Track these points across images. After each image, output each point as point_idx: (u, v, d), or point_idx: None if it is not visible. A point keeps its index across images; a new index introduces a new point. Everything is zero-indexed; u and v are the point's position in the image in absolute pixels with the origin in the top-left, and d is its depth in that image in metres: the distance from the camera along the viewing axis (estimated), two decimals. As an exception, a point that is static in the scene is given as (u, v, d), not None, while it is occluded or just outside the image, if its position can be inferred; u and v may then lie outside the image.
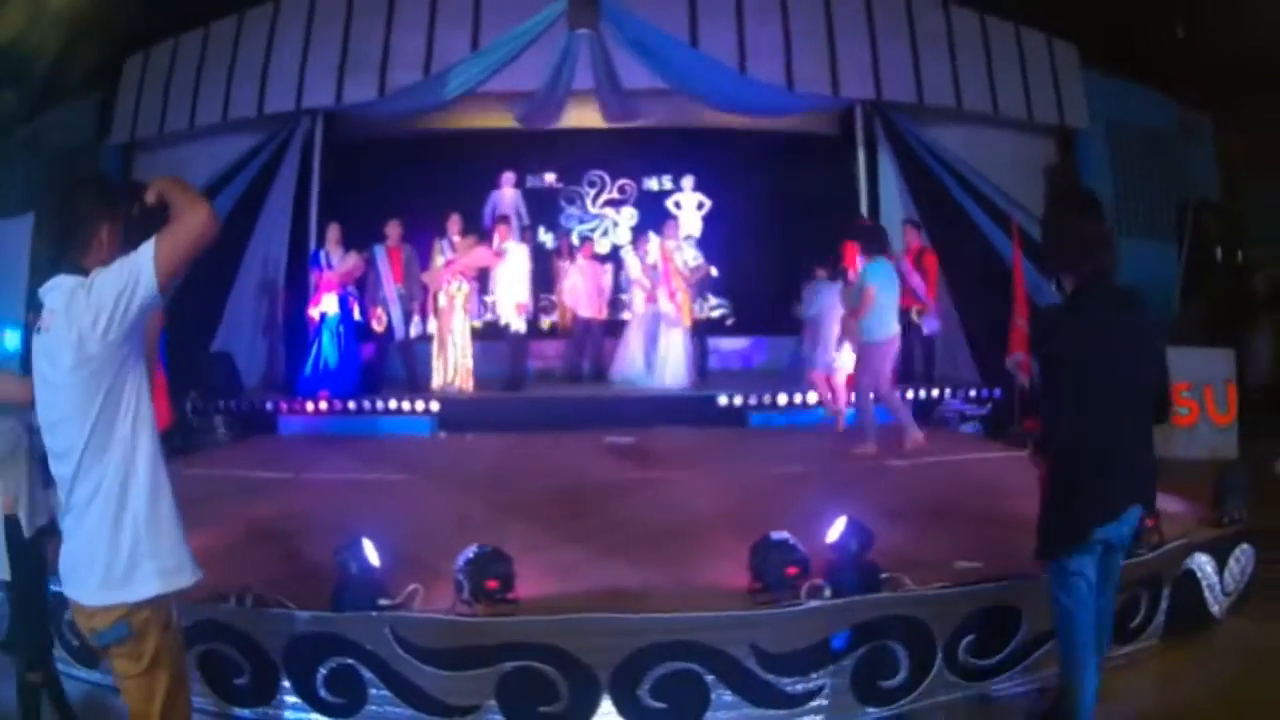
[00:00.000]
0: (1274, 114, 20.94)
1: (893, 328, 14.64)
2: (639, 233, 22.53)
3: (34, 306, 4.74)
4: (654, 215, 23.25)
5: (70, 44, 18.69)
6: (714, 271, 19.85)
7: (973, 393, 18.03)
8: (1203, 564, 8.79)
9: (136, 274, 4.30)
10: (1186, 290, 19.82)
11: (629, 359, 20.09)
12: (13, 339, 14.90)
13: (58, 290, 4.43)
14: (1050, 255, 6.61)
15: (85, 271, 4.42)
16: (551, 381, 20.95)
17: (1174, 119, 23.59)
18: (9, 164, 21.98)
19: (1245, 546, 9.23)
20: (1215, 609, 8.92)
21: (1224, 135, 23.63)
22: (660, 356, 18.99)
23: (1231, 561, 9.08)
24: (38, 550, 6.39)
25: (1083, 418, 6.09)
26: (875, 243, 15.10)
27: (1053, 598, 6.45)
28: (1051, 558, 6.42)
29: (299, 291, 19.83)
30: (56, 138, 22.59)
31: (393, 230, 18.50)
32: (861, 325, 14.47)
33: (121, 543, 4.49)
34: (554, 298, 22.19)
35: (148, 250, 4.30)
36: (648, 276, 19.67)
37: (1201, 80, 21.37)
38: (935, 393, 18.00)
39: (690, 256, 20.07)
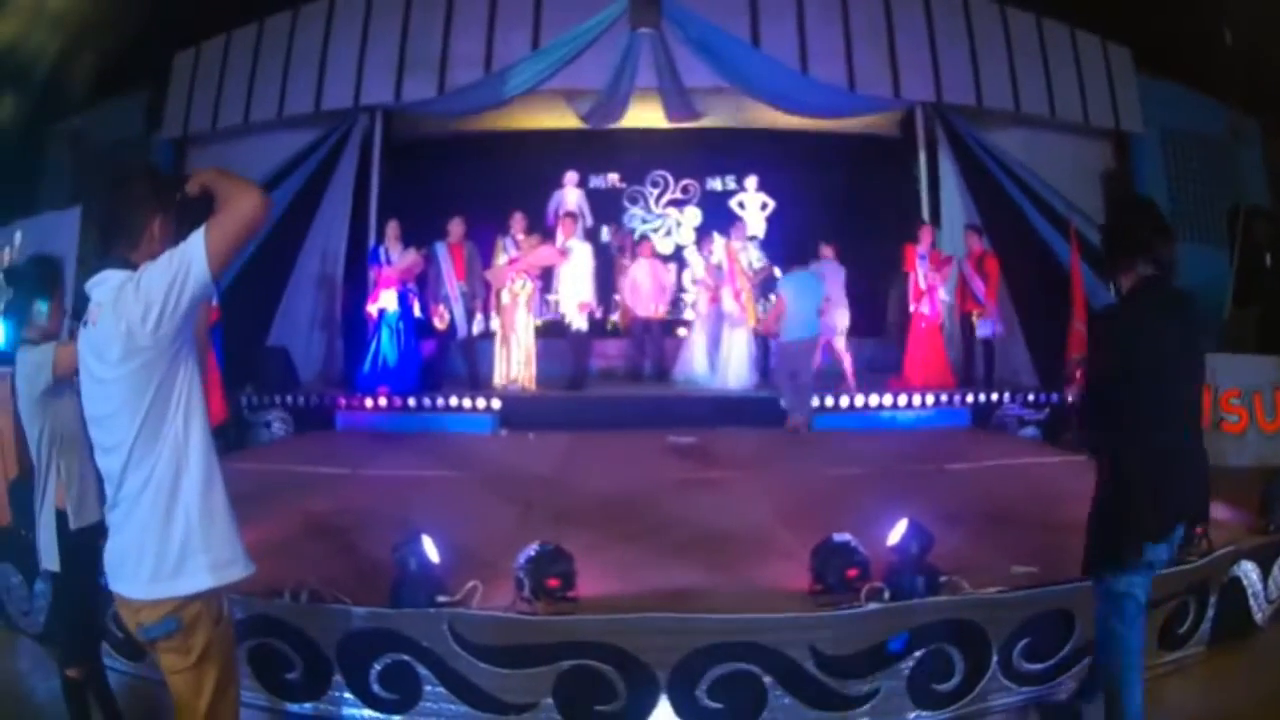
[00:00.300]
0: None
1: (807, 330, 16.10)
2: (702, 233, 22.57)
3: (81, 301, 4.70)
4: (717, 215, 23.35)
5: (115, 38, 18.73)
6: (778, 272, 19.63)
7: (1031, 397, 17.86)
8: (1248, 571, 8.74)
9: (187, 264, 4.20)
10: (1238, 296, 19.65)
11: (692, 359, 20.04)
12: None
13: (104, 285, 4.39)
14: (1109, 256, 6.47)
15: (134, 266, 4.36)
16: (613, 381, 20.92)
17: (1224, 124, 23.51)
18: (57, 158, 22.09)
19: (1290, 555, 9.14)
20: (1259, 616, 8.88)
21: (1273, 141, 23.48)
22: (723, 357, 18.95)
23: (1276, 569, 9.04)
24: (89, 544, 6.26)
25: (1136, 425, 6.06)
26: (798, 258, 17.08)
27: (1099, 616, 6.45)
28: (1099, 578, 6.38)
29: (358, 287, 19.90)
30: (105, 132, 22.72)
31: (455, 227, 18.41)
32: (781, 328, 15.95)
33: (173, 535, 4.43)
34: (616, 297, 22.12)
35: (197, 239, 4.19)
36: (712, 277, 19.68)
37: (1251, 86, 21.23)
38: (994, 396, 17.86)
39: (755, 257, 20.15)
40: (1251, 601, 8.78)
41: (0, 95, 17.83)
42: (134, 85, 22.32)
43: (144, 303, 4.20)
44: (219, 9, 21.10)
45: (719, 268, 19.36)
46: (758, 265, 19.89)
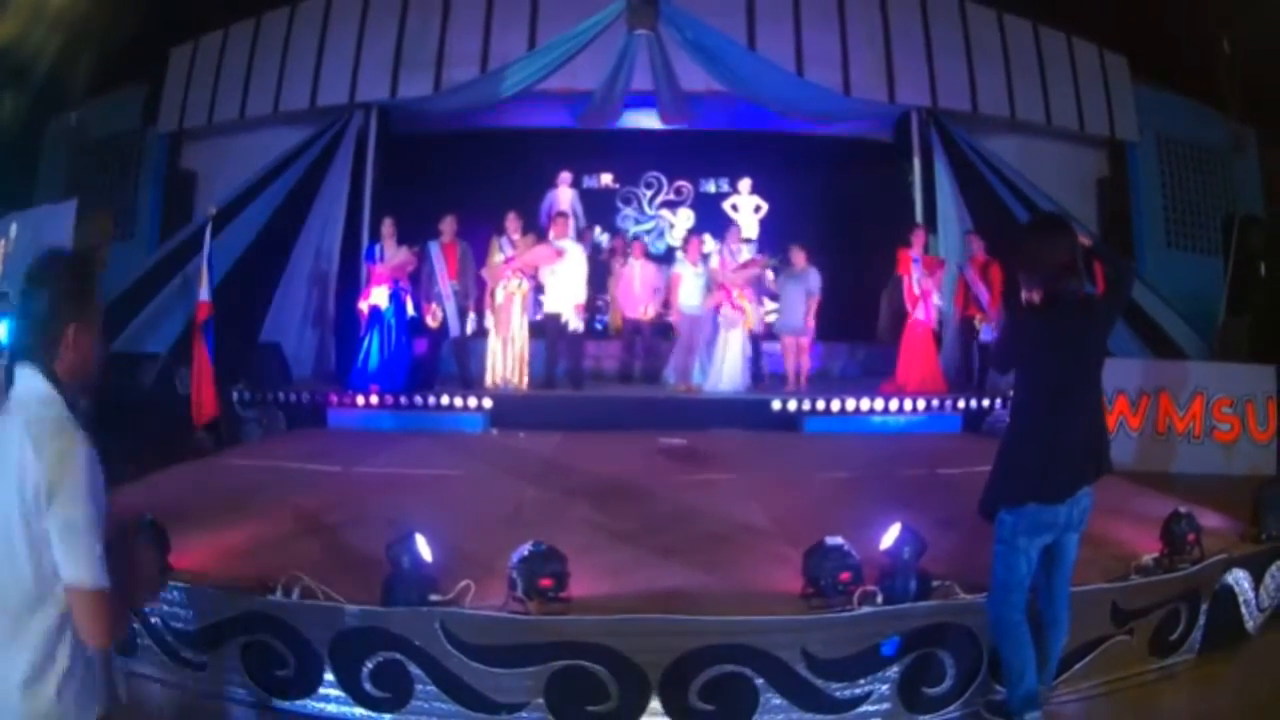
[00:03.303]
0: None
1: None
2: (694, 234, 22.41)
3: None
4: (711, 217, 23.53)
5: (112, 31, 18.74)
6: (771, 269, 19.66)
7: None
8: (1240, 579, 8.78)
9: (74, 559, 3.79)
10: (1231, 305, 19.73)
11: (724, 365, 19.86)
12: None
13: (24, 385, 4.06)
14: (1025, 275, 6.87)
15: (54, 373, 4.09)
16: (603, 381, 20.85)
17: (1221, 133, 23.61)
18: (54, 150, 22.12)
19: (1280, 563, 9.18)
20: (1250, 624, 8.91)
21: (1269, 149, 23.54)
22: (717, 358, 18.87)
23: (1267, 577, 9.08)
24: None
25: (1028, 405, 6.86)
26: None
27: (994, 559, 6.92)
28: (990, 515, 6.93)
29: (352, 284, 19.88)
30: (102, 125, 22.78)
31: (448, 226, 18.37)
32: None
33: None
34: (604, 298, 22.12)
35: (77, 570, 3.78)
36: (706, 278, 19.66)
37: (1248, 94, 21.29)
38: (985, 402, 17.87)
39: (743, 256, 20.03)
40: (1243, 609, 8.81)
41: (-2, 87, 17.88)
42: (131, 79, 22.38)
43: (39, 499, 3.81)
44: (217, 4, 21.11)
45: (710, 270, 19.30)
46: (741, 259, 19.76)
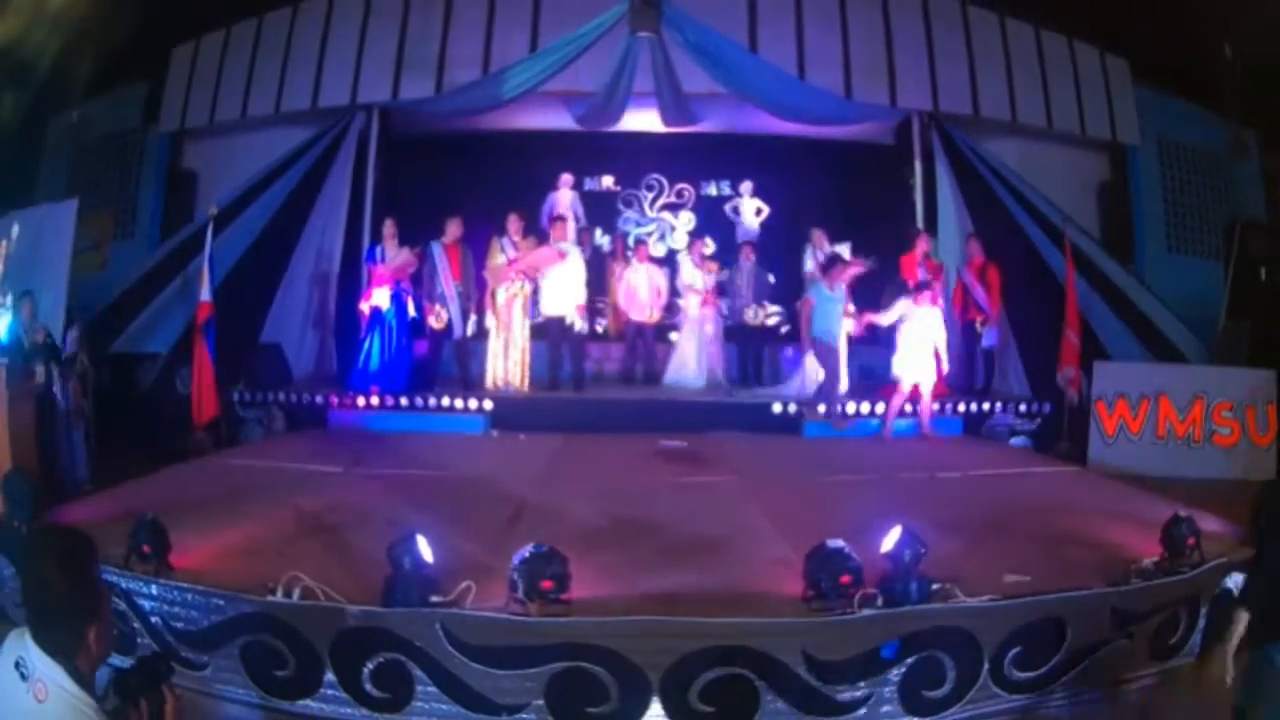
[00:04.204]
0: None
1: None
2: (696, 237, 22.49)
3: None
4: (712, 220, 23.64)
5: (114, 30, 18.70)
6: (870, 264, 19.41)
7: (1023, 407, 17.94)
8: (1239, 583, 8.64)
9: None
10: (1231, 309, 19.73)
11: (681, 363, 20.03)
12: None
13: (52, 680, 3.98)
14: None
15: (79, 671, 4.03)
16: (604, 384, 20.77)
17: (1222, 137, 23.62)
18: (55, 148, 22.11)
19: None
20: (1248, 627, 8.85)
21: (1271, 154, 23.53)
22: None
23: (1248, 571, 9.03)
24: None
25: None
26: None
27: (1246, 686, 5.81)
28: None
29: (352, 285, 19.82)
30: (103, 124, 22.75)
31: (453, 228, 18.33)
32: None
33: None
34: (603, 301, 22.09)
35: None
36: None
37: (1249, 98, 21.26)
38: (986, 406, 17.95)
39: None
40: (1242, 612, 8.77)
41: (-1, 86, 17.84)
42: (133, 78, 22.32)
43: None
44: (219, 3, 21.10)
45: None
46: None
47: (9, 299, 14.43)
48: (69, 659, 4.03)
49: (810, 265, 19.39)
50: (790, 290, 21.14)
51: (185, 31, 21.78)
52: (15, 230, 15.95)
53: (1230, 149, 23.53)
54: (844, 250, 20.17)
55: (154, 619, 7.58)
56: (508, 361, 18.39)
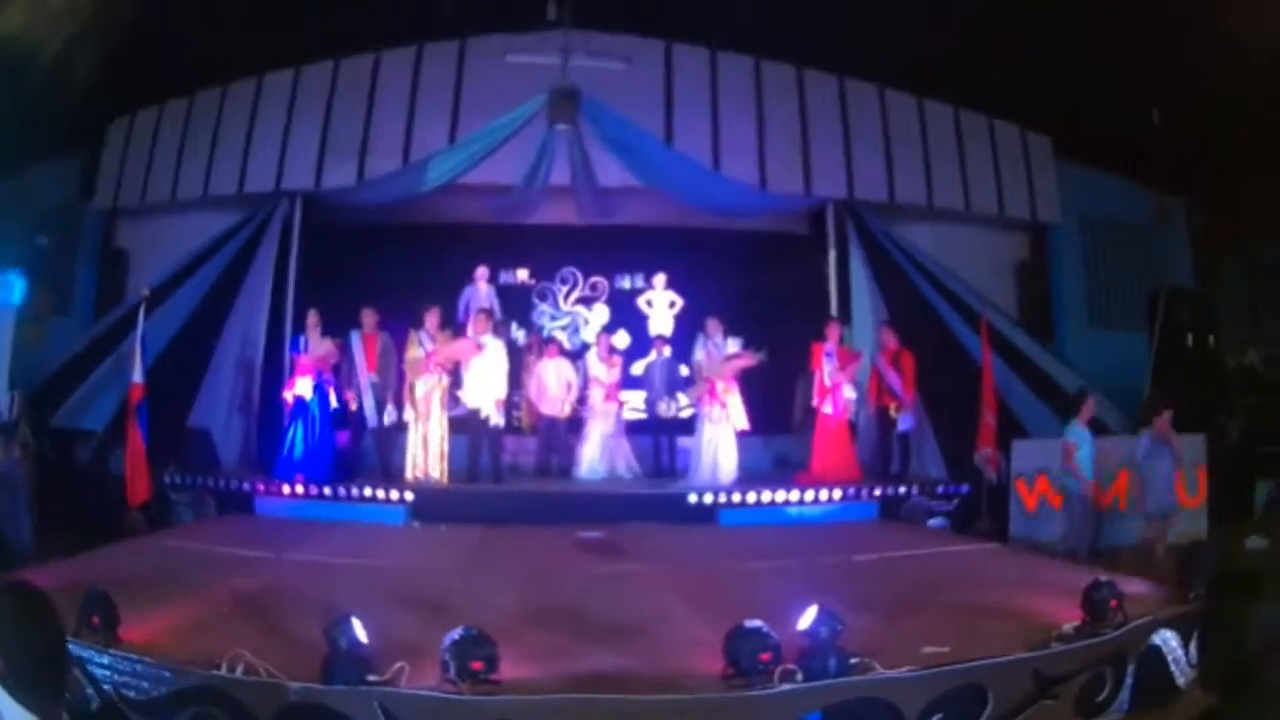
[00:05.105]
0: (1251, 197, 21.27)
1: None
2: (605, 331, 22.52)
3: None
4: (625, 313, 23.67)
5: (54, 99, 18.62)
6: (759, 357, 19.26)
7: (940, 489, 18.15)
8: (1168, 639, 8.97)
9: None
10: (1157, 378, 20.00)
11: (586, 455, 20.20)
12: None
13: None
14: None
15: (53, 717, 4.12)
16: (521, 476, 20.69)
17: (1146, 208, 24.01)
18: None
19: (1209, 622, 9.37)
20: (1181, 680, 9.01)
21: (1199, 221, 23.87)
22: (706, 455, 18.69)
23: (1197, 636, 9.22)
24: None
25: None
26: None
27: None
28: None
29: (276, 372, 19.96)
30: (39, 197, 22.64)
31: (368, 318, 18.57)
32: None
33: None
34: (519, 394, 22.01)
35: None
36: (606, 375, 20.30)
37: (1176, 167, 21.57)
38: (901, 489, 18.11)
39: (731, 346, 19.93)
40: (1173, 667, 8.99)
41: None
42: (70, 150, 22.18)
43: None
44: (153, 80, 21.04)
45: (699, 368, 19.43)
46: (730, 353, 19.69)
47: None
48: (45, 712, 4.09)
49: (700, 355, 19.39)
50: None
51: (120, 107, 21.80)
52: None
53: (1154, 218, 23.87)
54: (734, 344, 20.03)
55: (106, 686, 7.64)
56: (427, 453, 18.43)
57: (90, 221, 22.76)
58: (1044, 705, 7.97)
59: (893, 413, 19.03)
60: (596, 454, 20.11)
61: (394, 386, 18.72)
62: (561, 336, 23.20)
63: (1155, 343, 20.58)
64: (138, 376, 16.63)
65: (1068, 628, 8.65)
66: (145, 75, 20.62)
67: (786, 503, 17.59)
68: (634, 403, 21.44)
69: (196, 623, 9.01)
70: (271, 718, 7.17)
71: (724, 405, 18.58)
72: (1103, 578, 9.02)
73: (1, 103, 17.22)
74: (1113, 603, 8.75)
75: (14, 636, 4.29)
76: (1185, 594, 9.73)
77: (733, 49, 22.43)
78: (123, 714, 7.56)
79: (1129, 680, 8.57)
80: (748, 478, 18.66)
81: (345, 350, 18.36)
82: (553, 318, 24.09)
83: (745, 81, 22.45)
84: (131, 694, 7.61)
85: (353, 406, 18.44)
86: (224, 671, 7.30)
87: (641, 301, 23.75)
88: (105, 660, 7.73)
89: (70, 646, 7.39)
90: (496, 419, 18.84)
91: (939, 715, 7.55)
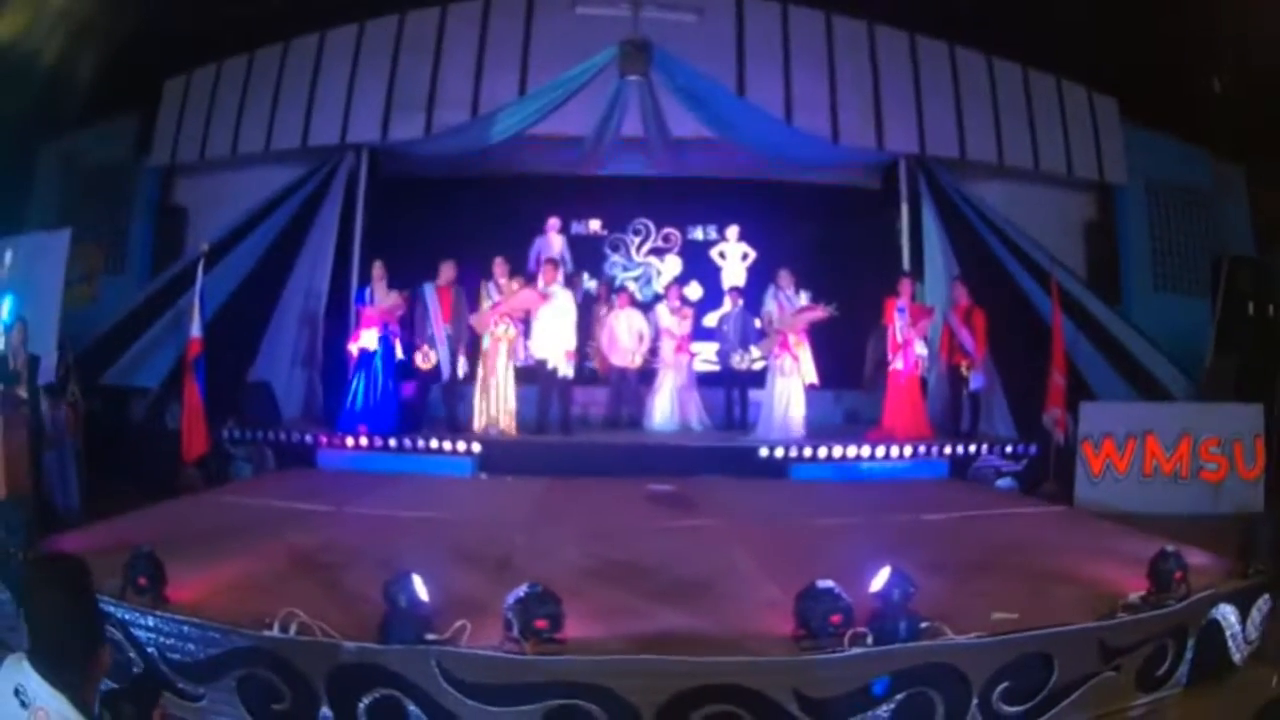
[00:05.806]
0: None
1: None
2: (681, 282, 22.58)
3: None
4: (698, 265, 23.62)
5: (108, 59, 18.56)
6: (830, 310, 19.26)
7: (1009, 449, 17.96)
8: (1227, 614, 8.84)
9: None
10: (1219, 345, 19.76)
11: (657, 407, 20.22)
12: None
13: (57, 710, 4.11)
14: None
15: (85, 703, 4.19)
16: (590, 427, 20.72)
17: (1210, 174, 23.85)
18: (47, 177, 21.99)
19: (1266, 597, 9.27)
20: (1237, 656, 8.95)
21: (1259, 190, 23.59)
22: (778, 410, 18.69)
23: (1254, 611, 9.12)
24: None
25: None
26: None
27: None
28: None
29: (341, 325, 19.91)
30: (95, 154, 22.64)
31: (446, 270, 18.40)
32: None
33: None
34: (591, 345, 21.90)
35: None
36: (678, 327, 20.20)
37: (1238, 134, 21.31)
38: (972, 448, 17.91)
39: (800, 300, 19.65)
40: (1230, 643, 8.87)
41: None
42: (125, 109, 22.27)
43: None
44: (211, 36, 21.00)
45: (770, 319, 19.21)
46: (797, 309, 19.48)
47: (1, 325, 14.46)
48: (72, 688, 4.13)
49: (771, 306, 19.09)
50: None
51: (177, 64, 21.79)
52: (8, 258, 16.00)
53: (1218, 185, 23.63)
54: (805, 297, 19.81)
55: (150, 649, 7.58)
56: (496, 404, 18.37)
57: (145, 179, 22.78)
58: (1105, 677, 7.87)
59: (964, 370, 18.79)
60: (667, 406, 20.17)
61: (466, 339, 18.62)
62: (633, 287, 23.24)
63: (1217, 310, 20.33)
64: (196, 331, 16.46)
65: (1133, 597, 8.47)
66: (206, 34, 20.63)
67: (858, 458, 17.47)
68: (705, 354, 21.51)
69: (249, 582, 8.90)
70: (324, 679, 7.09)
71: (796, 358, 18.48)
72: (1169, 548, 8.80)
73: (55, 62, 17.23)
74: (1178, 574, 8.56)
75: (43, 612, 4.32)
76: (1245, 568, 9.58)
77: (804, 4, 22.30)
78: (164, 680, 7.48)
79: (1189, 654, 8.47)
80: (816, 432, 18.62)
81: (417, 302, 18.31)
82: (625, 269, 24.18)
83: (817, 36, 22.31)
84: (176, 657, 7.55)
85: (424, 358, 18.33)
86: (275, 632, 7.20)
87: (714, 253, 23.72)
88: (150, 622, 7.66)
89: (113, 609, 7.36)
90: (565, 369, 18.72)
91: (1005, 683, 7.42)
